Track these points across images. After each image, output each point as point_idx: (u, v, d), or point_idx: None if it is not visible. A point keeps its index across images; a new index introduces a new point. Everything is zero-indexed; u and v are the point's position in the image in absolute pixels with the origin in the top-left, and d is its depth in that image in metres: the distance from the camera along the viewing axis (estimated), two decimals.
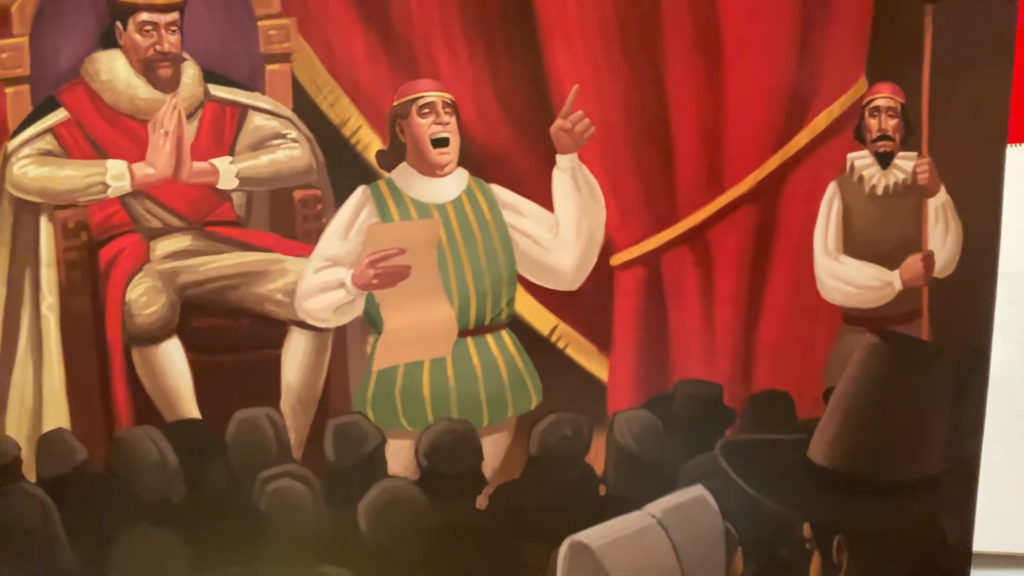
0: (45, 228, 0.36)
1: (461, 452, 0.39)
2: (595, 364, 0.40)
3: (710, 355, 0.41)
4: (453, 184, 0.38)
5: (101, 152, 0.36)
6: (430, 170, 0.37)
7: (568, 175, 0.39)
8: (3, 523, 0.36)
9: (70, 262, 0.36)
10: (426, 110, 0.37)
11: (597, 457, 0.41)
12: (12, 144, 0.35)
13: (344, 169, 0.37)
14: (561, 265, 0.39)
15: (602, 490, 0.41)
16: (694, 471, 0.42)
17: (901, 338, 0.44)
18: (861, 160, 0.42)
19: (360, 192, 0.37)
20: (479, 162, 0.38)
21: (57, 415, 0.37)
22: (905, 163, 0.42)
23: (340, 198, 0.37)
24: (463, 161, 0.38)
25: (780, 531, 0.42)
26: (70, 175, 0.35)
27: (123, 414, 0.37)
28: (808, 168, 0.41)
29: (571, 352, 0.40)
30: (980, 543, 0.53)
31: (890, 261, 0.43)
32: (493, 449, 0.40)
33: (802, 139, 0.41)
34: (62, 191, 0.35)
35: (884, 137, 0.42)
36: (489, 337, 0.39)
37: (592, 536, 0.40)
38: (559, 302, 0.40)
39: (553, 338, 0.40)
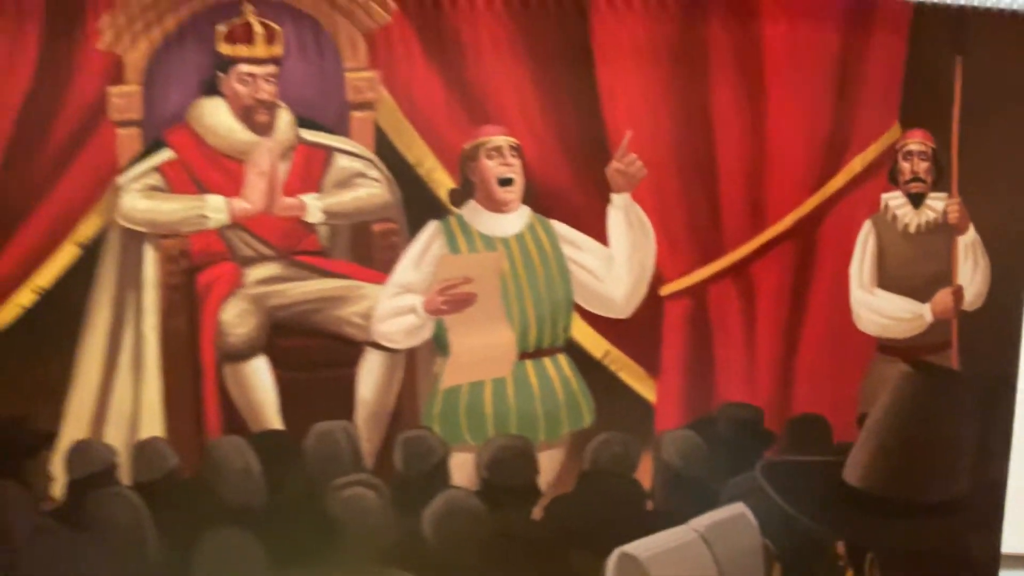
0: (149, 255, 0.33)
1: (519, 466, 0.34)
2: (644, 386, 0.35)
3: (752, 380, 0.36)
4: (517, 220, 0.34)
5: (202, 188, 0.33)
6: (496, 207, 0.33)
7: (622, 213, 0.34)
8: (99, 522, 0.35)
9: (171, 286, 0.34)
10: (493, 153, 0.33)
11: (645, 474, 0.36)
12: (122, 180, 0.32)
13: (418, 205, 0.34)
14: (614, 295, 0.35)
15: (649, 505, 0.35)
16: (735, 489, 0.36)
17: (932, 367, 0.39)
18: (895, 200, 0.37)
19: (432, 226, 0.33)
20: (541, 200, 0.34)
21: (153, 425, 0.34)
22: (936, 203, 0.37)
23: (414, 231, 0.34)
24: (526, 199, 0.34)
25: (815, 548, 0.36)
26: (174, 208, 0.32)
27: (213, 425, 0.34)
28: (844, 207, 0.37)
29: (622, 375, 0.36)
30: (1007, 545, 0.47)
31: (921, 294, 0.38)
32: (548, 463, 0.35)
33: (839, 181, 0.36)
34: (166, 222, 0.32)
35: (916, 179, 0.37)
36: (547, 360, 0.35)
37: (640, 548, 0.36)
38: (611, 329, 0.36)
39: (605, 362, 0.35)
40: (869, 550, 0.38)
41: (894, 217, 0.38)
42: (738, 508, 0.37)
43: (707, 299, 0.36)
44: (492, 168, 0.35)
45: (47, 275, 0.36)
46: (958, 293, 0.41)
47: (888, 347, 0.39)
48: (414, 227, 0.35)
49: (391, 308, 0.35)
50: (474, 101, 0.35)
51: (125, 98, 0.35)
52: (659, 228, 0.35)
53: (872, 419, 0.39)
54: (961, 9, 0.38)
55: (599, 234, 0.36)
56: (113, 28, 0.34)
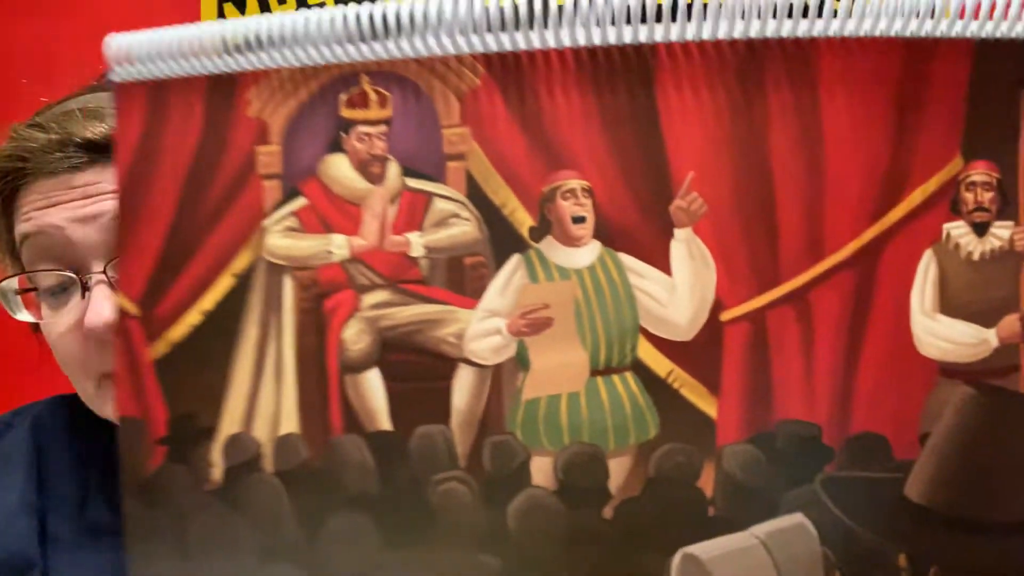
0: (287, 284, 0.37)
1: (591, 470, 0.36)
2: (706, 403, 0.36)
3: (810, 399, 0.35)
4: (588, 253, 0.35)
5: (328, 228, 0.36)
6: (570, 242, 0.34)
7: (684, 245, 0.35)
8: (248, 502, 0.37)
9: (304, 310, 0.37)
10: (568, 194, 0.34)
11: (707, 483, 0.36)
12: (267, 223, 0.36)
13: (503, 241, 0.35)
14: (677, 319, 0.35)
15: (711, 511, 0.36)
16: (794, 501, 0.36)
17: (996, 389, 0.36)
18: (957, 229, 0.35)
19: (515, 259, 0.35)
20: (610, 235, 0.35)
21: (290, 423, 0.37)
22: (1002, 231, 0.34)
23: (499, 263, 0.35)
24: (597, 235, 0.35)
25: (876, 559, 0.35)
26: (307, 245, 0.36)
27: (336, 424, 0.37)
28: (905, 238, 0.35)
29: (685, 392, 0.36)
30: None
31: (986, 320, 0.35)
32: (618, 469, 0.36)
33: (898, 212, 0.35)
34: (300, 257, 0.36)
35: (980, 208, 0.34)
36: (615, 377, 0.36)
37: (703, 549, 0.36)
38: (675, 350, 0.36)
39: (669, 380, 0.36)
40: (934, 564, 0.37)
41: (956, 246, 0.35)
42: (797, 518, 0.37)
43: (766, 324, 0.35)
44: (567, 208, 0.36)
45: (210, 300, 0.39)
46: None
47: (951, 370, 0.36)
48: (499, 260, 0.37)
49: (480, 330, 0.37)
50: (550, 150, 0.37)
51: (269, 156, 0.39)
52: (719, 259, 0.35)
53: (934, 439, 0.37)
54: None
55: (663, 265, 0.36)
56: (259, 99, 0.38)
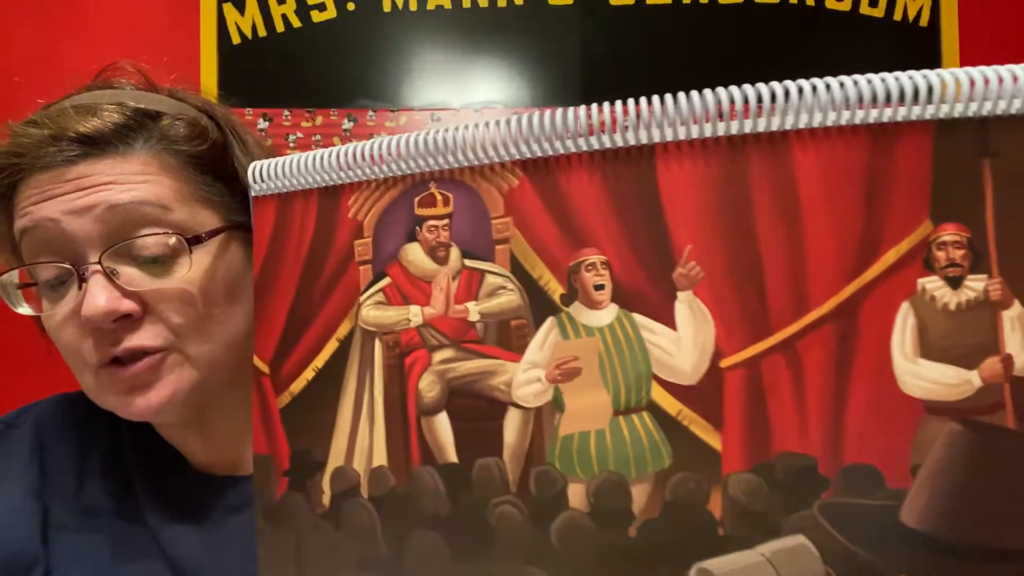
0: (377, 346, 0.40)
1: (617, 495, 0.36)
2: (711, 438, 0.36)
3: (804, 434, 0.34)
4: (607, 315, 0.37)
5: (407, 301, 0.39)
6: (593, 305, 0.36)
7: (686, 305, 0.36)
8: (349, 523, 0.40)
9: (389, 366, 0.40)
10: (590, 267, 0.36)
11: (716, 506, 0.36)
12: (362, 299, 0.39)
13: (540, 307, 0.37)
14: (683, 367, 0.36)
15: (720, 531, 0.35)
16: (795, 524, 0.35)
17: (982, 425, 0.34)
18: (931, 283, 0.33)
19: (549, 321, 0.37)
20: (625, 299, 0.36)
21: (380, 457, 0.40)
22: (975, 283, 0.33)
23: (538, 324, 0.37)
24: (614, 299, 0.36)
25: None
26: (391, 315, 0.39)
27: (415, 458, 0.39)
28: (882, 292, 0.34)
29: (693, 428, 0.36)
30: None
31: (968, 362, 0.33)
32: (639, 494, 0.36)
33: (874, 271, 0.34)
34: (387, 324, 0.39)
35: (952, 264, 0.33)
36: (634, 416, 0.37)
37: (715, 565, 0.35)
38: (683, 393, 0.37)
39: (679, 418, 0.36)
40: None
41: (932, 298, 0.33)
42: (799, 539, 0.36)
43: (760, 369, 0.34)
44: (589, 278, 0.37)
45: (321, 359, 0.42)
46: (1007, 361, 0.34)
47: (937, 408, 0.34)
48: (538, 322, 0.38)
49: (524, 379, 0.38)
50: (575, 232, 0.38)
51: (363, 246, 0.42)
52: (716, 316, 0.35)
53: (925, 470, 0.35)
54: (984, 119, 0.35)
55: (670, 322, 0.37)
56: (356, 204, 0.43)
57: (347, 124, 1.25)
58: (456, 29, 1.34)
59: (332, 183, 0.44)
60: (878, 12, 1.32)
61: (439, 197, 0.41)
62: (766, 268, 0.35)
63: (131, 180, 0.39)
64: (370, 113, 1.26)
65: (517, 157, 0.40)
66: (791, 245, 0.35)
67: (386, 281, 0.42)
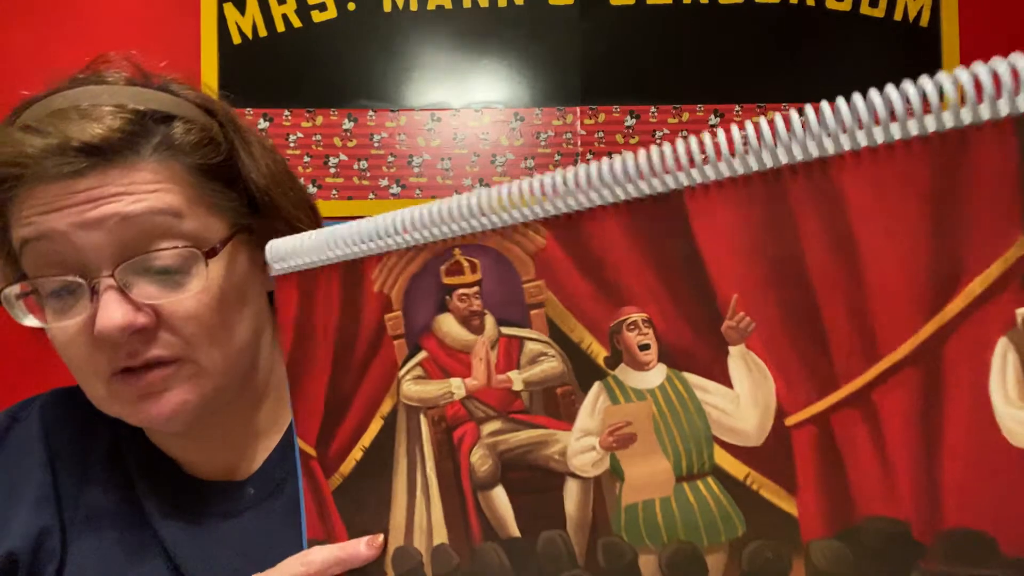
0: (423, 421, 0.39)
1: (691, 565, 0.34)
2: (785, 502, 0.32)
3: (891, 495, 0.30)
4: (656, 375, 0.34)
5: (447, 374, 0.38)
6: (639, 367, 0.34)
7: (739, 360, 0.33)
8: None
9: (438, 441, 0.38)
10: (632, 326, 0.34)
11: None
12: (401, 374, 0.38)
13: (585, 371, 0.35)
14: (745, 428, 0.33)
15: None
16: None
17: None
18: None
19: (596, 386, 0.34)
20: (673, 358, 0.34)
21: (440, 534, 0.38)
22: None
23: (585, 390, 0.35)
24: (662, 358, 0.34)
25: None
26: (432, 389, 0.37)
27: (476, 534, 0.38)
28: (970, 329, 0.29)
29: (763, 493, 0.33)
30: None
31: None
32: (715, 564, 0.34)
33: (957, 305, 0.29)
34: (429, 398, 0.37)
35: None
36: (699, 482, 0.34)
37: None
38: (748, 455, 0.33)
39: (747, 482, 0.33)
40: None
41: None
42: None
43: (831, 426, 0.31)
44: (632, 338, 0.35)
45: (367, 438, 0.41)
46: None
47: None
48: (584, 387, 0.36)
49: (578, 448, 0.36)
50: (612, 290, 0.36)
51: (394, 320, 0.41)
52: (774, 370, 0.32)
53: None
54: None
55: (724, 380, 0.34)
56: (380, 277, 0.41)
57: (347, 124, 1.25)
58: (456, 29, 1.32)
59: (352, 256, 0.42)
60: (878, 12, 1.29)
61: (466, 264, 0.39)
62: (824, 312, 0.31)
63: (142, 190, 0.38)
64: (370, 113, 1.26)
65: (540, 216, 0.38)
66: (851, 285, 0.31)
67: (423, 355, 0.40)
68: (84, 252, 0.37)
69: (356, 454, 0.43)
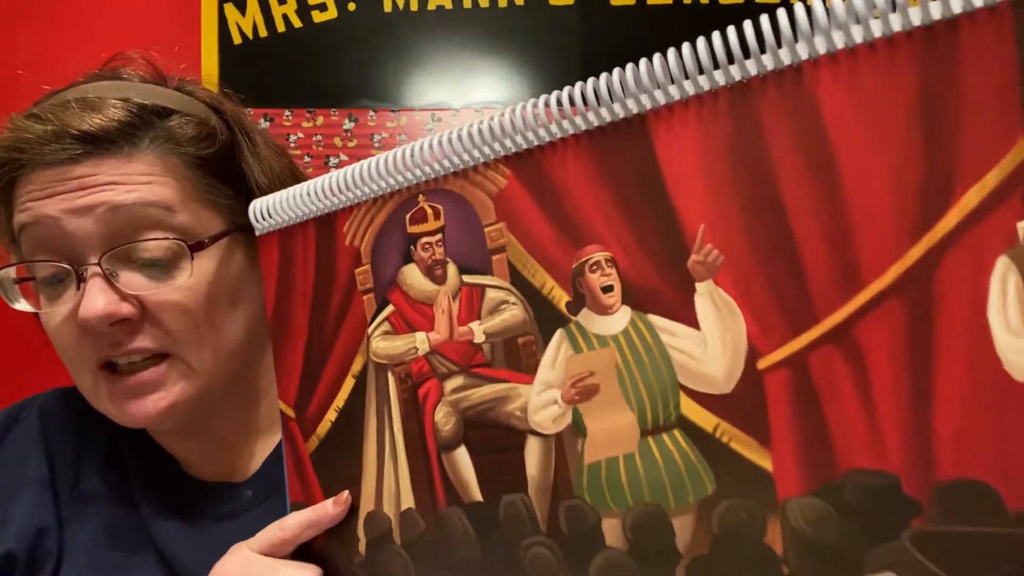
0: (390, 379, 0.37)
1: (657, 529, 0.30)
2: (758, 456, 0.29)
3: (877, 445, 0.26)
4: (620, 319, 0.31)
5: (412, 328, 0.36)
6: (603, 311, 0.31)
7: (707, 298, 0.29)
8: (386, 571, 0.37)
9: (404, 400, 0.37)
10: (594, 267, 0.31)
11: (775, 539, 0.29)
12: (370, 330, 0.36)
13: (546, 319, 0.33)
14: (713, 373, 0.30)
15: (784, 570, 0.28)
16: (880, 560, 0.27)
17: None
18: None
19: (558, 334, 0.32)
20: (637, 299, 0.31)
21: (407, 499, 0.37)
22: None
23: (547, 339, 0.33)
24: (626, 300, 0.31)
25: None
26: (398, 344, 0.36)
27: (441, 499, 0.36)
28: (964, 248, 0.25)
29: (734, 445, 0.29)
30: None
31: None
32: (682, 528, 0.30)
33: (950, 221, 0.25)
34: (395, 355, 0.36)
35: None
36: (664, 436, 0.31)
37: None
38: (717, 404, 0.30)
39: (717, 434, 0.30)
40: None
41: None
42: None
43: (808, 367, 0.27)
44: (595, 280, 0.32)
45: (340, 399, 0.40)
46: None
47: None
48: (546, 336, 0.34)
49: (539, 402, 0.34)
50: (574, 229, 0.33)
51: (363, 275, 0.40)
52: (744, 307, 0.28)
53: None
54: None
55: (691, 321, 0.30)
56: (351, 230, 0.40)
57: (348, 124, 1.26)
58: (456, 29, 1.32)
59: (325, 211, 0.42)
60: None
61: (429, 211, 0.37)
62: (800, 239, 0.28)
63: (135, 181, 0.37)
64: (371, 113, 1.26)
65: (501, 154, 0.35)
66: (829, 205, 0.27)
67: (389, 309, 0.38)
68: (73, 239, 0.37)
69: (331, 415, 0.42)
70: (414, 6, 1.35)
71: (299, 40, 1.39)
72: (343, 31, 1.38)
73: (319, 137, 1.36)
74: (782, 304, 0.26)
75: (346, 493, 0.33)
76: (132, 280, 0.37)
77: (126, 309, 0.37)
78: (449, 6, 1.38)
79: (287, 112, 1.36)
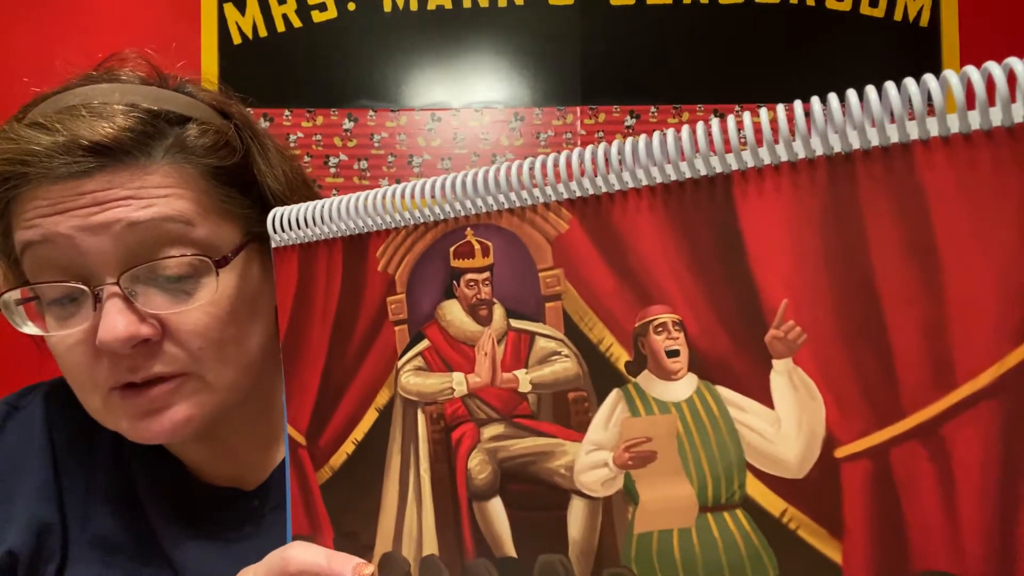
0: (420, 417, 0.35)
1: None
2: (828, 547, 0.28)
3: (956, 550, 0.26)
4: (685, 386, 0.29)
5: (448, 367, 0.34)
6: (666, 375, 0.29)
7: (784, 377, 0.28)
8: None
9: (435, 440, 0.35)
10: (660, 328, 0.29)
11: None
12: (400, 363, 0.34)
13: (602, 376, 0.31)
14: (785, 455, 0.28)
15: None
16: None
17: None
18: None
19: (614, 394, 0.30)
20: (706, 368, 0.29)
21: (431, 545, 0.35)
22: None
23: (601, 398, 0.31)
24: (692, 367, 0.29)
25: None
26: (432, 382, 0.34)
27: (469, 548, 0.34)
28: None
29: (802, 533, 0.28)
30: None
31: None
32: None
33: None
34: (428, 393, 0.34)
35: None
36: (726, 514, 0.29)
37: None
38: (787, 488, 0.29)
39: (784, 520, 0.29)
40: None
41: None
42: None
43: (890, 461, 0.26)
44: (660, 342, 0.30)
45: (360, 431, 0.38)
46: None
47: None
48: (600, 394, 0.32)
49: (588, 462, 0.32)
50: (639, 285, 0.31)
51: (397, 304, 0.38)
52: (826, 391, 0.27)
53: None
54: None
55: (764, 398, 0.29)
56: (385, 256, 0.38)
57: (347, 124, 1.24)
58: (456, 29, 1.31)
59: (356, 231, 0.39)
60: (878, 12, 1.27)
61: (477, 246, 0.35)
62: (892, 327, 0.26)
63: (151, 195, 0.35)
64: (370, 113, 1.24)
65: (564, 196, 0.33)
66: (926, 295, 0.26)
67: (424, 344, 0.36)
68: (88, 257, 0.35)
69: (347, 447, 0.40)
70: (414, 6, 1.32)
71: (299, 40, 1.36)
72: (343, 31, 1.34)
73: (319, 137, 1.33)
74: (867, 393, 0.25)
75: (371, 567, 0.31)
76: (152, 299, 0.35)
77: (147, 330, 0.35)
78: (449, 6, 1.34)
79: (287, 112, 1.32)
